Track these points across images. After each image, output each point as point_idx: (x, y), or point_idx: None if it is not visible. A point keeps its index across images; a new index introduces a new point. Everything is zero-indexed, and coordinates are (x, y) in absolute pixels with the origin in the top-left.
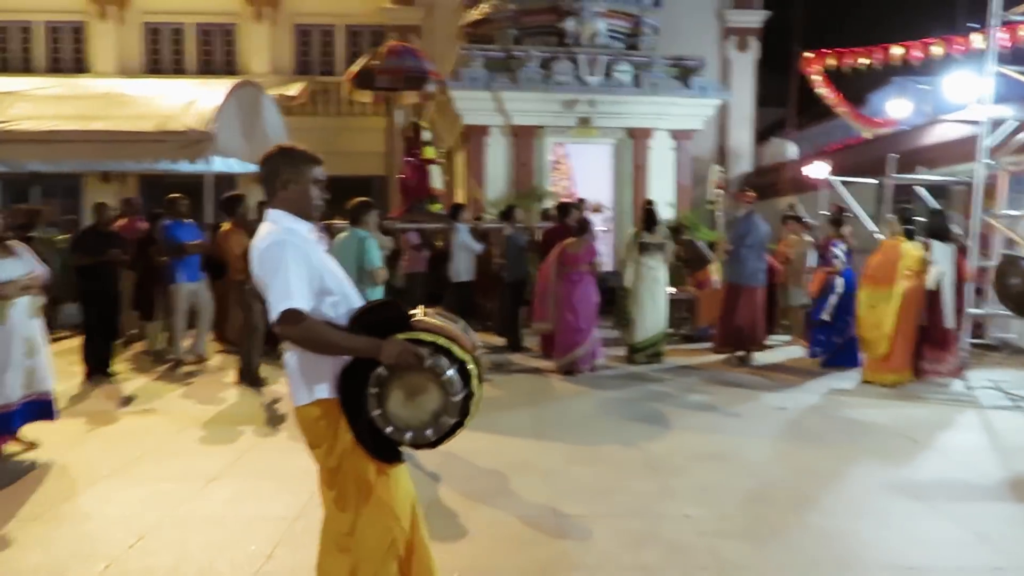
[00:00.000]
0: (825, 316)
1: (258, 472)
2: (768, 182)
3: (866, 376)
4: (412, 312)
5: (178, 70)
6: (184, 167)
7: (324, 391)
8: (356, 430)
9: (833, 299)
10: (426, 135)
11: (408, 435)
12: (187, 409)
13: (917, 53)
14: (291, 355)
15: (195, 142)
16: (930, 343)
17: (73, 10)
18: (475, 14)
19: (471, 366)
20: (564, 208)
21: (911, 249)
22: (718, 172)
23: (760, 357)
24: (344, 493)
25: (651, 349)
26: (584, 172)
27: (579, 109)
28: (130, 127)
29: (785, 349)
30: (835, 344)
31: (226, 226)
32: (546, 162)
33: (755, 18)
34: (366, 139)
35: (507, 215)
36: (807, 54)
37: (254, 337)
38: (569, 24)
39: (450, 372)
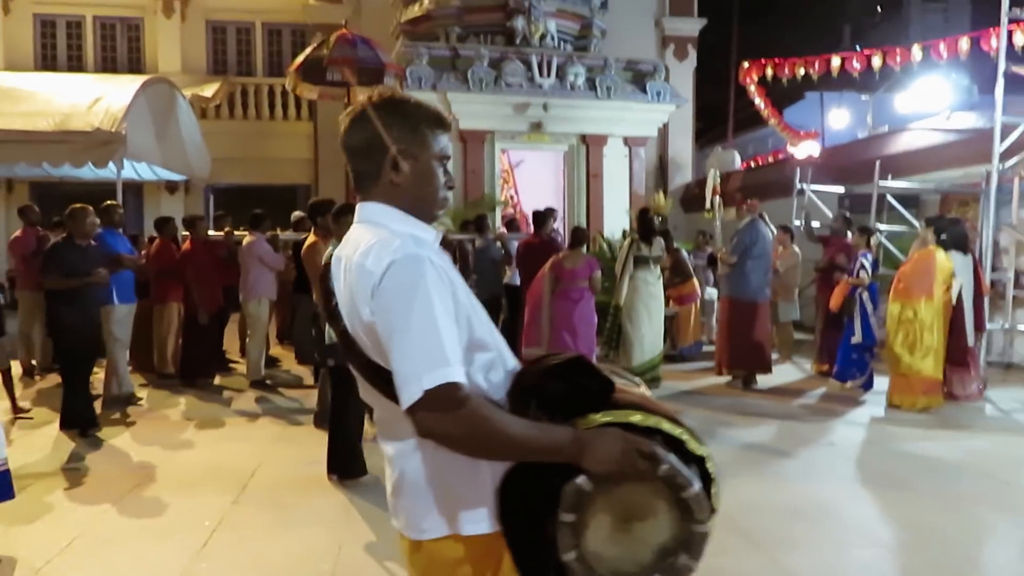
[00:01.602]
0: (857, 337)
1: (240, 561)
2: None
3: (894, 399)
4: (610, 376)
5: (76, 68)
6: (87, 172)
7: (476, 520)
8: None
9: (872, 319)
10: None
11: None
12: (127, 465)
13: (856, 64)
14: (411, 454)
15: (103, 144)
16: (951, 362)
17: None
18: (415, 11)
19: (711, 465)
20: (541, 218)
21: (945, 260)
22: (716, 178)
23: (761, 379)
24: None
25: (649, 374)
26: (530, 180)
27: (531, 113)
28: (25, 126)
29: (780, 368)
30: (867, 363)
31: (311, 238)
32: (497, 169)
33: (693, 26)
34: (290, 145)
35: (478, 226)
36: (744, 64)
37: None
38: (518, 23)
39: (696, 485)
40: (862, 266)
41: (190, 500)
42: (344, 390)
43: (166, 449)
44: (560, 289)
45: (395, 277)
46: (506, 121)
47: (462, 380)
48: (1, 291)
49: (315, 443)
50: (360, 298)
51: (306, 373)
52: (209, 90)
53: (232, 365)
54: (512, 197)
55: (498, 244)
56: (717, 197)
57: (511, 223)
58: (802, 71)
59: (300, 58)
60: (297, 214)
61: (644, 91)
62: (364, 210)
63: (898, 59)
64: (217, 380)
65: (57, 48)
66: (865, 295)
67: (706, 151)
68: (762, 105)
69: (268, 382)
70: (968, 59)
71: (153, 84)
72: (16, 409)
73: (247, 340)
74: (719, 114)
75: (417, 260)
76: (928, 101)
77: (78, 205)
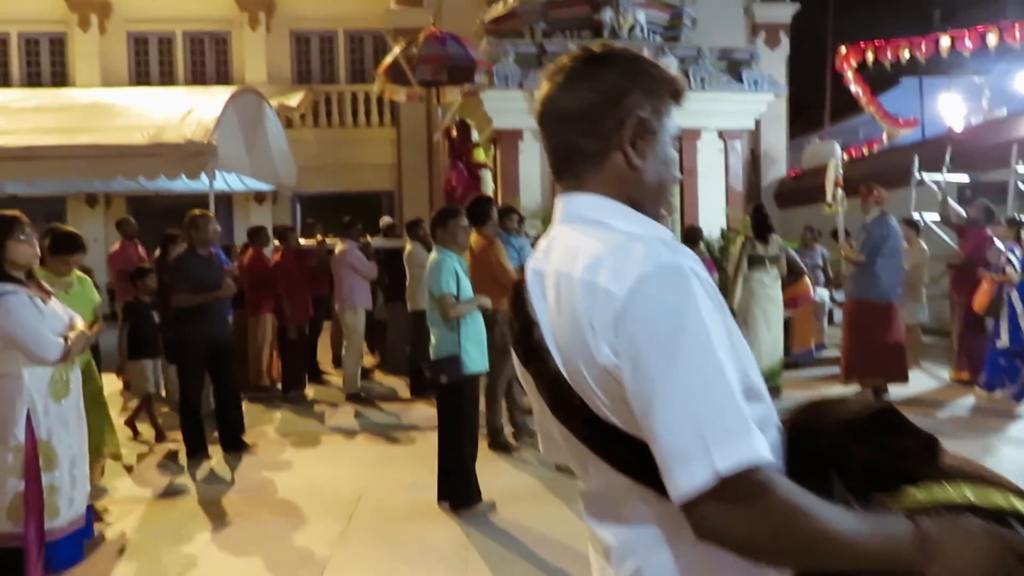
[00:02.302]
0: (1004, 341)
1: None
2: (812, 186)
3: None
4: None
5: (167, 82)
6: (179, 185)
7: None
8: None
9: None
10: (475, 135)
11: None
12: (229, 488)
13: (968, 43)
14: (655, 549)
15: (195, 155)
16: None
17: (51, 20)
18: (499, 9)
19: None
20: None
21: None
22: (838, 168)
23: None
24: None
25: (769, 383)
26: None
27: None
28: (121, 140)
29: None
30: (1018, 370)
31: (476, 239)
32: None
33: (785, 13)
34: (373, 151)
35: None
36: (842, 49)
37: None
38: (606, 15)
39: None
40: (1009, 261)
41: (297, 530)
42: (456, 409)
43: (266, 470)
44: None
45: (650, 299)
46: None
47: (769, 457)
48: (153, 308)
49: (420, 464)
50: (594, 331)
51: (400, 385)
52: (294, 99)
53: (325, 376)
54: None
55: None
56: (839, 189)
57: None
58: (907, 54)
59: (388, 59)
60: (386, 220)
61: (740, 80)
62: (572, 204)
63: (1017, 35)
64: (310, 393)
65: (150, 64)
66: (1014, 294)
67: (797, 142)
68: (859, 92)
69: (363, 395)
70: None
71: (242, 95)
72: (136, 432)
73: (343, 351)
74: (806, 105)
75: (678, 273)
76: None
77: (198, 211)
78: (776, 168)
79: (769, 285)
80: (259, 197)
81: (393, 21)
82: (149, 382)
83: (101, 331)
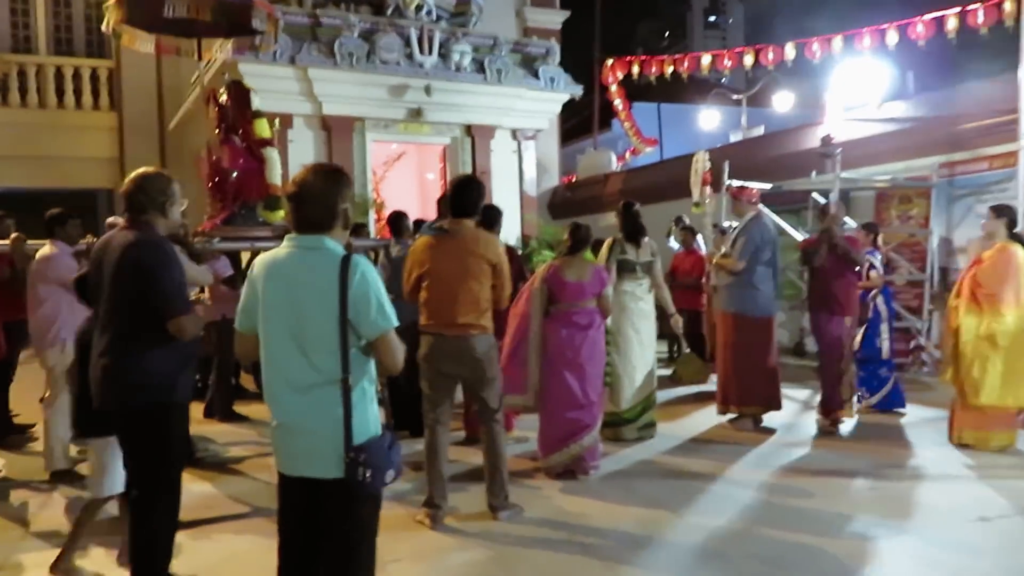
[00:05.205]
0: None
1: None
2: (587, 196)
3: (962, 436)
4: None
5: None
6: None
7: None
8: None
9: (883, 327)
10: (256, 101)
11: None
12: None
13: (727, 63)
14: None
15: None
16: None
17: None
18: None
19: None
20: (494, 214)
21: None
22: (705, 164)
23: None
24: None
25: (644, 418)
26: (390, 179)
27: (410, 97)
28: None
29: None
30: (885, 380)
31: None
32: (368, 164)
33: (556, 19)
34: (87, 141)
35: (395, 227)
36: (609, 60)
37: None
38: None
39: None
40: (872, 266)
41: None
42: None
43: None
44: (559, 311)
45: None
46: (379, 106)
47: None
48: None
49: None
50: None
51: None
52: None
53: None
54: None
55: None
56: (707, 187)
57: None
58: (671, 68)
59: None
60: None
61: (536, 76)
62: None
63: (771, 56)
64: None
65: None
66: (879, 299)
67: (564, 151)
68: (620, 105)
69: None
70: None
71: None
72: None
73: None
74: (569, 113)
75: None
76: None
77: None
78: (549, 177)
79: (642, 298)
80: None
81: None
82: None
83: None
